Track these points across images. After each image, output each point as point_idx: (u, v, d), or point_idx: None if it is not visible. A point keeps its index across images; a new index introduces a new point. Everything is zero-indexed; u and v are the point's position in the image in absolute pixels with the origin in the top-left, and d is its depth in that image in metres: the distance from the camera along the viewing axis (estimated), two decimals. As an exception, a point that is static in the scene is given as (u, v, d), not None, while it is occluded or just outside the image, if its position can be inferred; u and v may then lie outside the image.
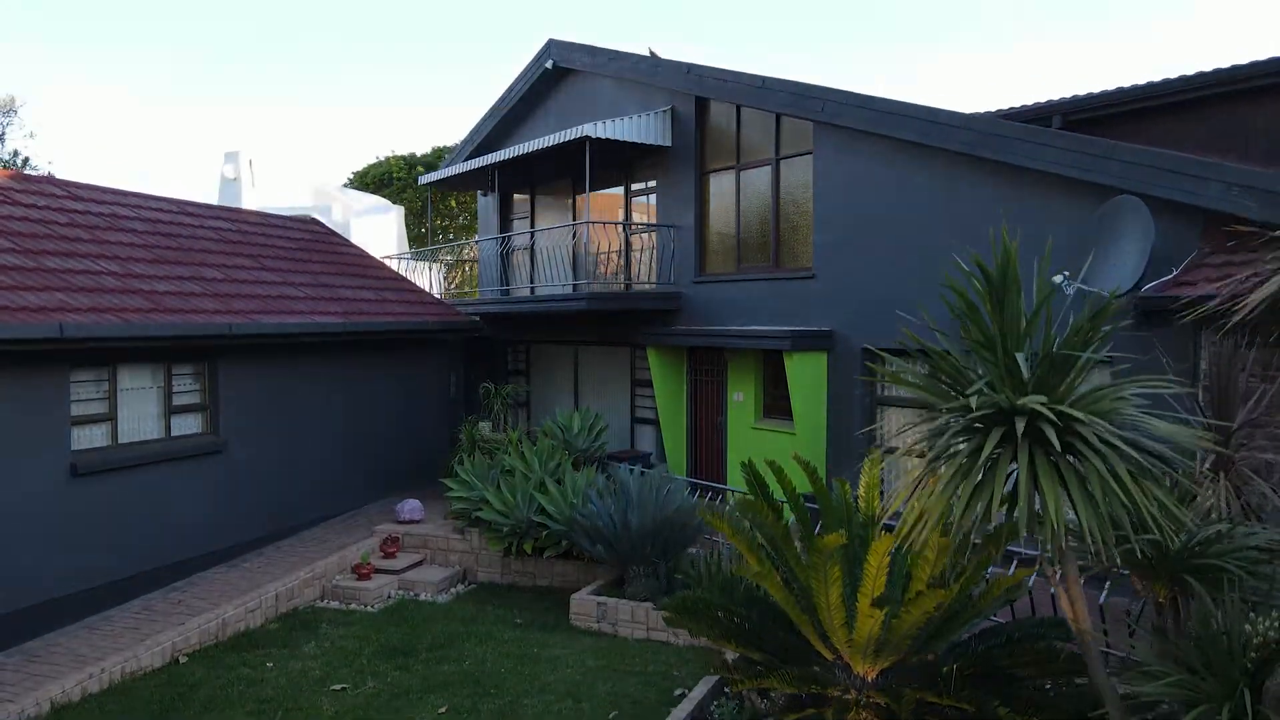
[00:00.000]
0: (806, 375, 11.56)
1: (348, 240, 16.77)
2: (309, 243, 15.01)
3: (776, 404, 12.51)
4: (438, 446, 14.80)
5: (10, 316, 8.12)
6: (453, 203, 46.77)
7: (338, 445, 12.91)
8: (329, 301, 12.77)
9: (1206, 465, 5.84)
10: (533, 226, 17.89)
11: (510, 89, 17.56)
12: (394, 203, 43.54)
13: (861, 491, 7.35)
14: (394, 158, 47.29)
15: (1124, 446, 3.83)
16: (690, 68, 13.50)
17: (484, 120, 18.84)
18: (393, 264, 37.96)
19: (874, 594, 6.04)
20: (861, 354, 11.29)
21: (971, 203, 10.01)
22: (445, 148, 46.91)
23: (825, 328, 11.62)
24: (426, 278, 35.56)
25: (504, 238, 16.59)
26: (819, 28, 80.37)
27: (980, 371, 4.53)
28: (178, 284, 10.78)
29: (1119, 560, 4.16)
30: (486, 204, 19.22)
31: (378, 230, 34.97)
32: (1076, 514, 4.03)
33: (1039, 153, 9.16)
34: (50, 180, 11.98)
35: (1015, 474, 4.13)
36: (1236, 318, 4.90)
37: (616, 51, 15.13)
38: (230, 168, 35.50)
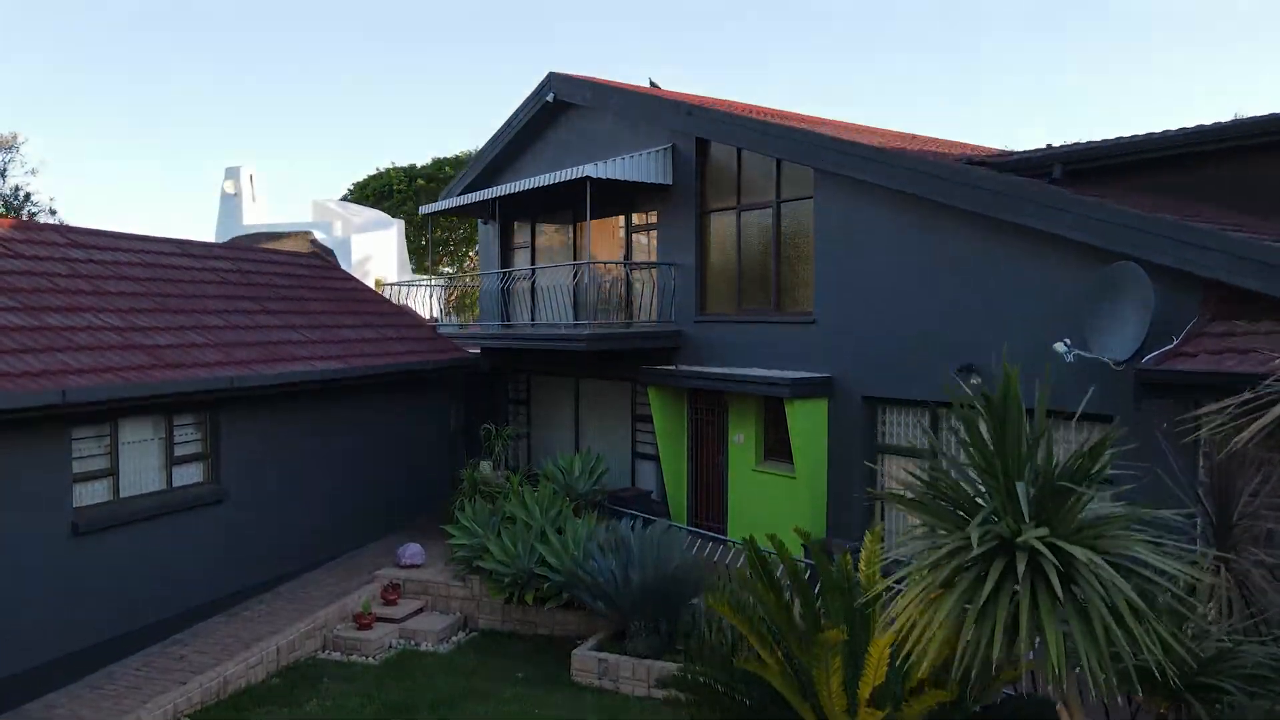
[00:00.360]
0: (807, 422, 11.56)
1: (348, 274, 16.78)
2: (309, 279, 15.02)
3: (777, 446, 12.51)
4: (438, 482, 14.82)
5: (12, 383, 8.14)
6: (453, 215, 46.80)
7: (339, 486, 12.93)
8: (329, 344, 12.78)
9: (1209, 560, 5.86)
10: (533, 254, 17.92)
11: (511, 120, 17.58)
12: (394, 215, 43.57)
13: (863, 566, 7.35)
14: (394, 169, 47.33)
15: (1127, 589, 3.85)
16: (691, 109, 13.51)
17: (485, 149, 18.89)
18: (394, 274, 37.86)
19: (875, 683, 6.07)
20: (862, 402, 11.31)
21: (973, 258, 10.01)
22: (446, 159, 46.96)
23: (826, 374, 11.62)
24: (426, 294, 35.60)
25: (505, 273, 16.60)
26: (824, 52, 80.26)
27: (983, 488, 4.54)
28: (179, 335, 10.79)
29: (1118, 692, 4.17)
30: (487, 231, 19.22)
31: (378, 246, 35.04)
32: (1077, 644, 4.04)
33: (1041, 214, 9.15)
34: (53, 228, 12.01)
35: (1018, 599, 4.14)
36: (1239, 444, 4.91)
37: (617, 88, 15.15)
38: (230, 183, 35.52)
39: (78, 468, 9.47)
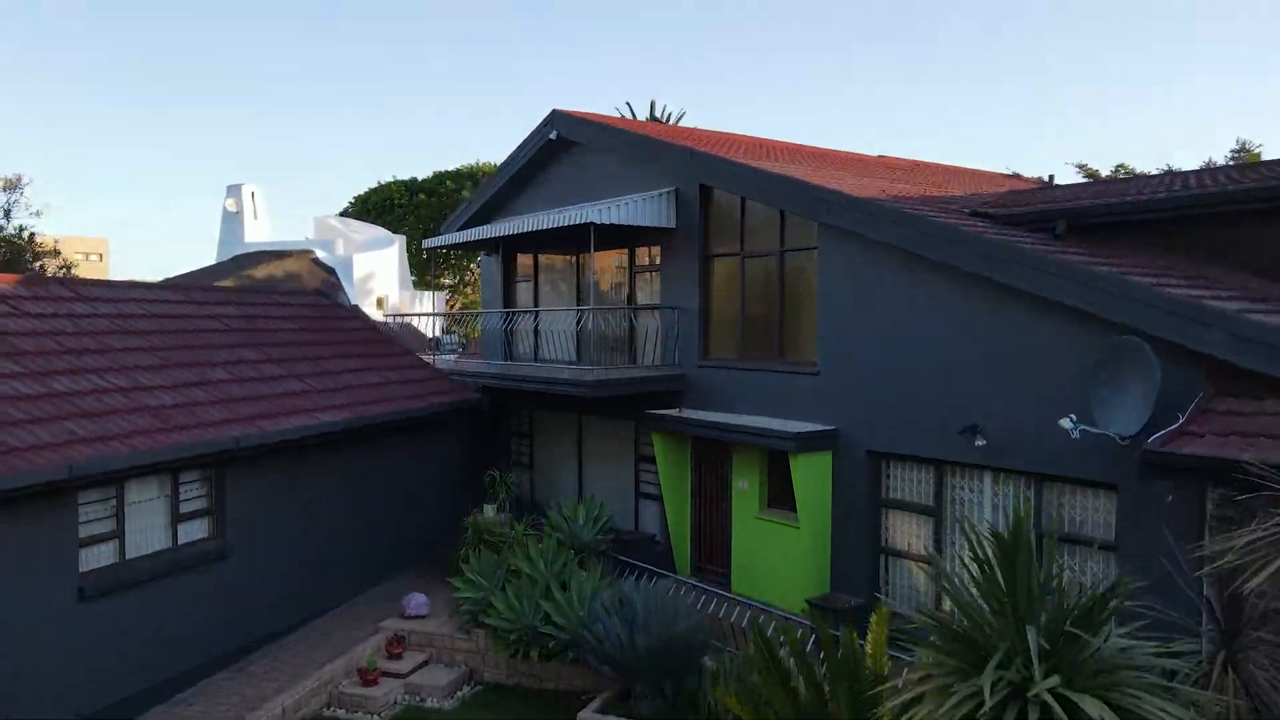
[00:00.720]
0: (811, 475, 11.57)
1: (351, 312, 16.77)
2: (312, 321, 15.04)
3: (781, 494, 12.51)
4: (442, 524, 14.81)
5: (19, 459, 8.15)
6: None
7: (343, 533, 12.93)
8: (333, 392, 12.79)
9: (1218, 660, 5.87)
10: (536, 284, 17.92)
11: (514, 155, 17.61)
12: (396, 229, 43.63)
13: (869, 649, 7.37)
14: (395, 183, 47.36)
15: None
16: (693, 154, 13.53)
17: (488, 183, 18.92)
18: (395, 291, 37.86)
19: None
20: (866, 456, 11.32)
21: (974, 315, 10.01)
22: (447, 172, 46.96)
23: (830, 427, 11.63)
24: (429, 311, 35.60)
25: (507, 313, 16.62)
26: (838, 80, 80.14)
27: (994, 622, 4.56)
28: (184, 392, 10.80)
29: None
30: (490, 263, 19.20)
31: (379, 264, 35.03)
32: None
33: (1041, 280, 9.16)
34: (57, 281, 12.02)
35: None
36: (1249, 587, 4.92)
37: (620, 130, 15.17)
38: (232, 201, 35.55)
39: (84, 531, 9.48)
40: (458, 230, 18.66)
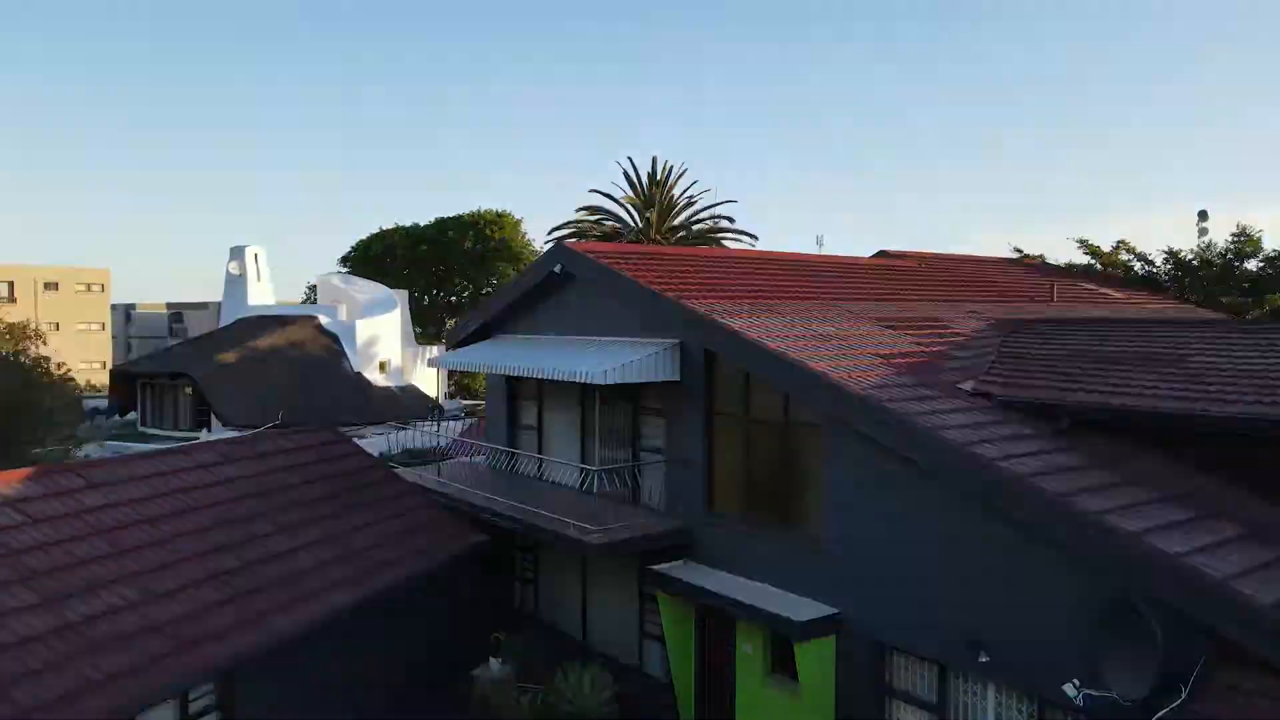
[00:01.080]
0: (815, 659, 11.65)
1: (353, 449, 16.79)
2: (316, 465, 15.18)
3: (785, 661, 12.58)
4: (447, 670, 14.87)
5: (34, 722, 8.23)
6: (455, 281, 46.81)
7: (349, 698, 12.97)
8: (341, 563, 12.87)
9: None
10: (540, 406, 17.95)
11: (519, 280, 17.77)
12: (397, 280, 43.70)
13: None
14: (397, 229, 47.44)
15: None
16: (700, 320, 13.56)
17: (495, 299, 19.04)
18: (398, 353, 37.86)
19: None
20: (870, 646, 11.39)
21: (980, 530, 10.08)
22: (448, 219, 47.02)
23: (834, 611, 11.70)
24: (433, 375, 35.42)
25: (511, 452, 16.71)
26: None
27: None
28: (195, 594, 10.89)
29: None
30: (496, 379, 19.24)
31: (383, 328, 35.05)
32: None
33: (1042, 524, 9.24)
34: (68, 470, 12.11)
35: None
36: None
37: (624, 278, 15.15)
38: (235, 264, 35.61)
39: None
40: (460, 346, 18.78)
